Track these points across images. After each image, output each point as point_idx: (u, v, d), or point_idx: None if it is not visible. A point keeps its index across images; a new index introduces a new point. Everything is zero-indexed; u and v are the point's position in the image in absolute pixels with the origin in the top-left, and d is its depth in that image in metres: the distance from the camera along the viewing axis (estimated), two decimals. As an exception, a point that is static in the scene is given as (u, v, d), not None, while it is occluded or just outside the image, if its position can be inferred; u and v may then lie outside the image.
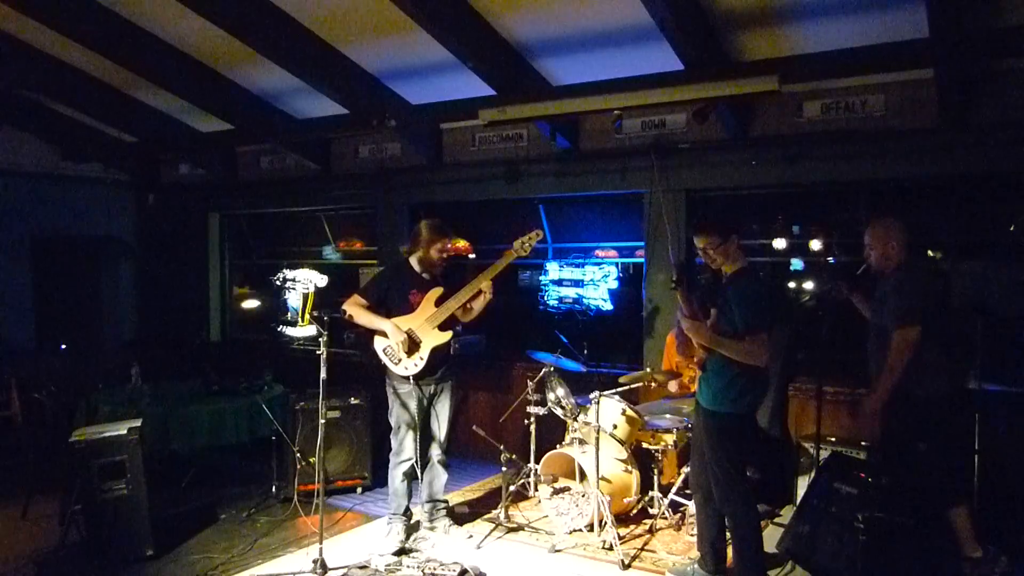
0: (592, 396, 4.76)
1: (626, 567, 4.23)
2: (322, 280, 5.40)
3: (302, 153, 7.71)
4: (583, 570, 4.27)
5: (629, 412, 4.91)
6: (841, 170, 5.33)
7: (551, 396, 5.16)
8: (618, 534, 4.45)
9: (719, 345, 3.70)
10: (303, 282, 5.28)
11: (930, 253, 5.46)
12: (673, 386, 5.41)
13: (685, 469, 4.73)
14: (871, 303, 4.19)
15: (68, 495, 4.67)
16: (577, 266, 6.84)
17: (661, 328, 5.96)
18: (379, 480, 5.45)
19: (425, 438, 4.71)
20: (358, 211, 8.11)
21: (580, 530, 4.73)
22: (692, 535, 4.40)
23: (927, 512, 3.92)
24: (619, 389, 5.13)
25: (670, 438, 4.97)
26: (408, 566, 4.08)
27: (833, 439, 5.08)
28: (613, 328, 6.69)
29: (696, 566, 4.02)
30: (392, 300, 4.64)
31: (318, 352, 4.22)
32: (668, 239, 5.86)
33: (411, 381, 4.55)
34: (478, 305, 4.70)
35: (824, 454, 4.87)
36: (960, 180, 5.20)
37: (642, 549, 4.52)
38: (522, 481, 5.23)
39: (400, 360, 4.52)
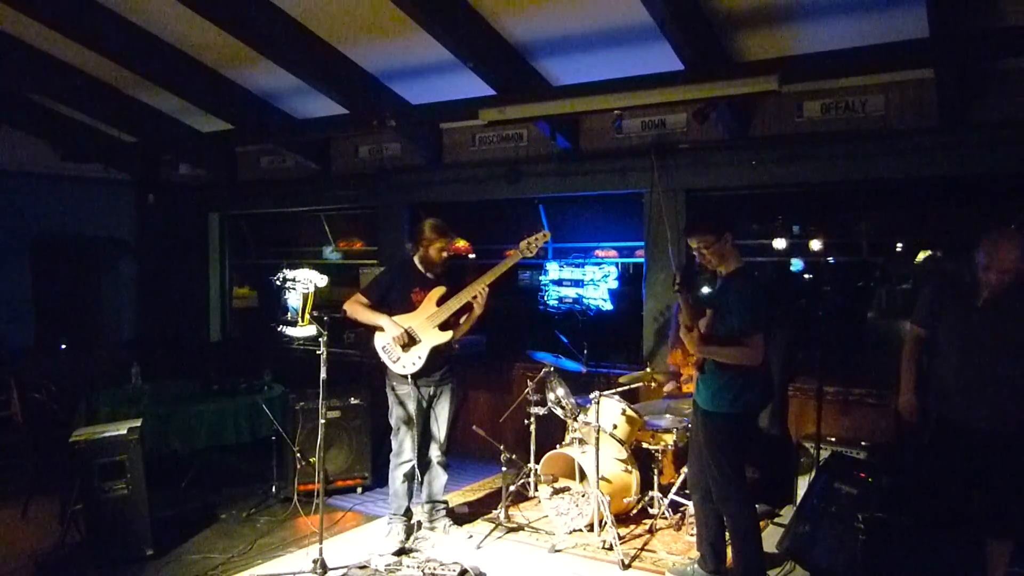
0: (592, 396, 4.75)
1: (626, 567, 4.23)
2: (322, 280, 5.38)
3: (302, 153, 7.71)
4: (583, 570, 4.27)
5: (629, 412, 4.91)
6: (841, 170, 5.32)
7: (551, 396, 5.15)
8: (618, 534, 4.44)
9: (713, 353, 3.72)
10: (303, 282, 5.27)
11: (928, 252, 5.47)
12: (669, 386, 5.40)
13: (685, 469, 4.73)
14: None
15: (68, 495, 4.67)
16: (577, 266, 6.84)
17: (661, 328, 5.96)
18: (379, 480, 5.46)
19: (425, 439, 4.70)
20: (358, 211, 8.11)
21: (580, 530, 4.73)
22: (692, 535, 4.39)
23: (930, 510, 3.91)
24: (619, 389, 5.13)
25: (670, 438, 4.96)
26: (408, 566, 4.07)
27: (833, 439, 5.08)
28: (613, 328, 6.69)
29: (696, 566, 4.02)
30: (394, 298, 4.63)
31: (318, 352, 4.22)
32: (668, 239, 5.85)
33: (410, 381, 4.54)
34: (465, 322, 4.66)
35: (824, 454, 4.87)
36: (960, 180, 5.19)
37: (642, 549, 4.52)
38: (522, 481, 5.22)
39: (398, 358, 4.51)
